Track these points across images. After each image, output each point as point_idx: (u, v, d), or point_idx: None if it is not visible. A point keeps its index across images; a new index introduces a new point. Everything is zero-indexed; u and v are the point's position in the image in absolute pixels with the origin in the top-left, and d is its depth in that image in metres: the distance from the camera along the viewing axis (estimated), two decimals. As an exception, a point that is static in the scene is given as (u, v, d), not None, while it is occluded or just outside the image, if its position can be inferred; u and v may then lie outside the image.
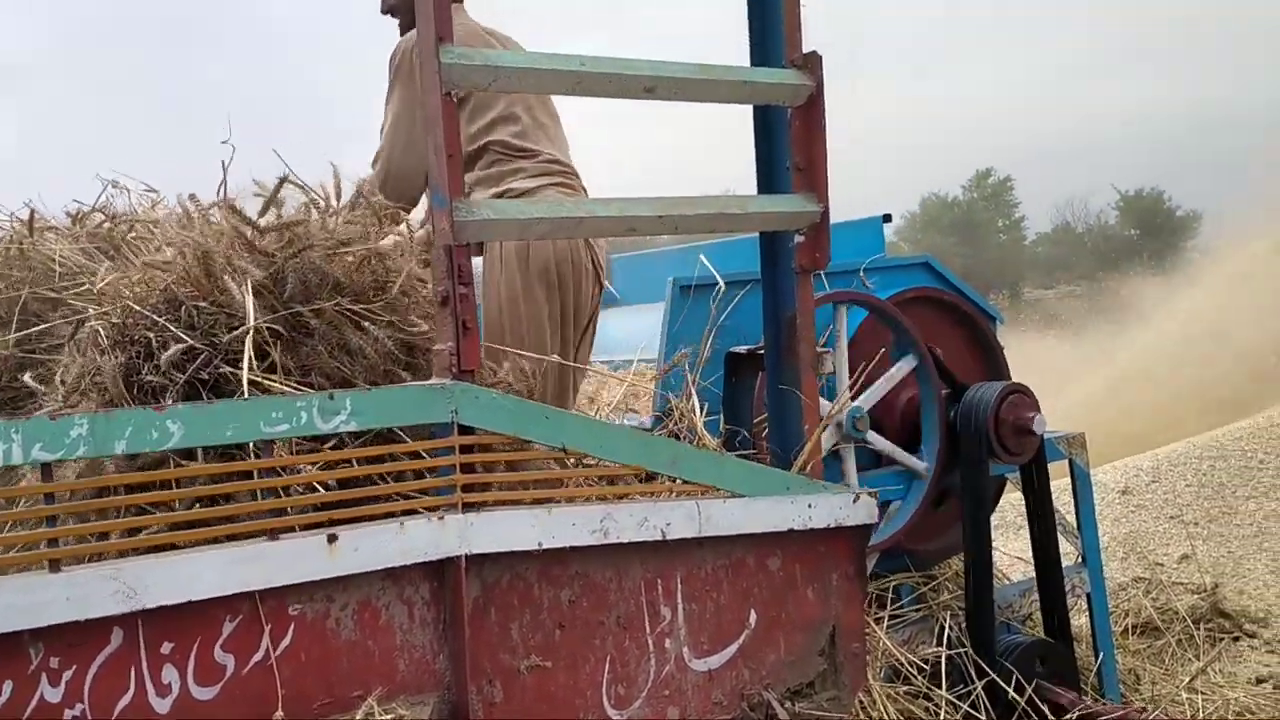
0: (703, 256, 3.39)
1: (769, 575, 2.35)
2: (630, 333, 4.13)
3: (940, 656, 3.19)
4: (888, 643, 3.07)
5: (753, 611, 2.33)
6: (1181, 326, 12.78)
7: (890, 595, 3.47)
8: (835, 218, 2.60)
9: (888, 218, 3.95)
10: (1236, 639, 5.34)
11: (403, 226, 2.41)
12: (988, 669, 3.32)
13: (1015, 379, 3.74)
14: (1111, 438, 8.11)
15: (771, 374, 2.50)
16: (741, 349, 2.94)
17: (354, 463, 1.92)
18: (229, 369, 1.96)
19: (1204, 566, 5.49)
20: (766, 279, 2.50)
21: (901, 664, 3.06)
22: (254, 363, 1.93)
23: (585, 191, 3.19)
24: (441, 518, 1.92)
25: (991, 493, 3.91)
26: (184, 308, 2.05)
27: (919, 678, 3.07)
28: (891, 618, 3.43)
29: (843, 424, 3.30)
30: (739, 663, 2.31)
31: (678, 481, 2.24)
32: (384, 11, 3.41)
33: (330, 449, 1.94)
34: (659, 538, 2.16)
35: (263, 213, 2.16)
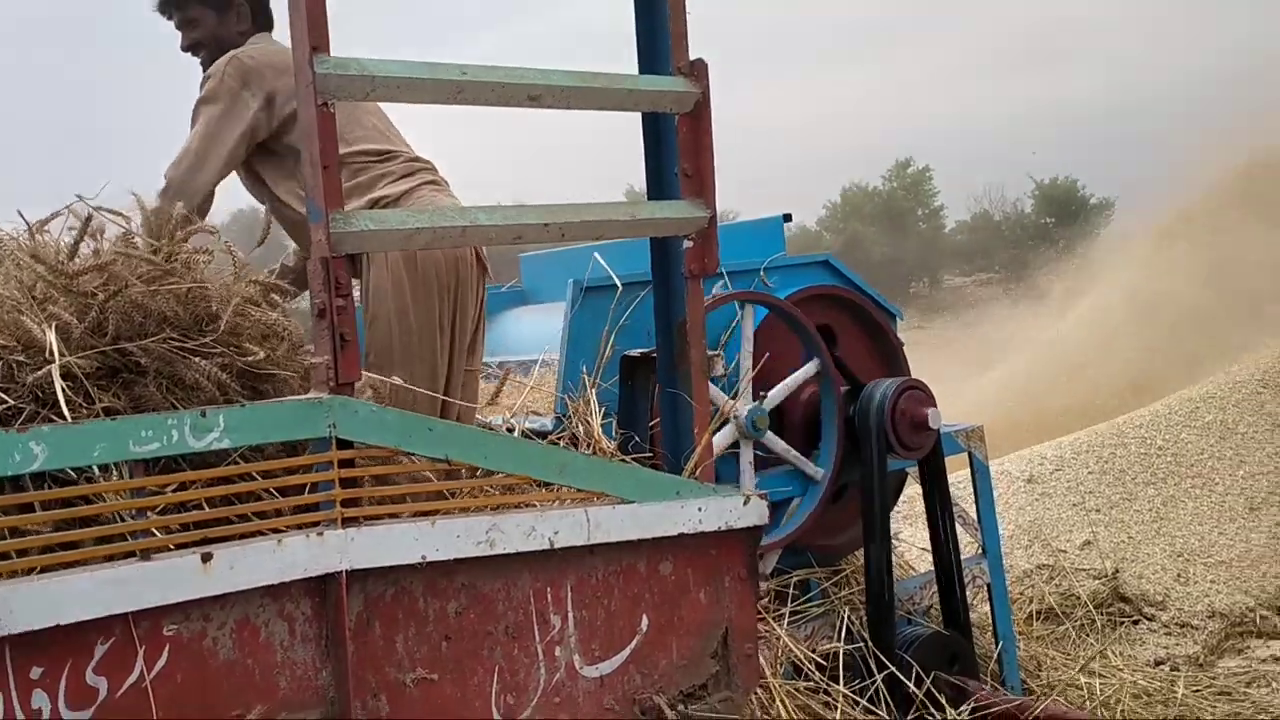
0: (597, 255, 3.40)
1: (661, 580, 2.37)
2: (538, 332, 4.12)
3: (839, 651, 3.24)
4: (787, 639, 3.12)
5: (645, 617, 2.34)
6: (1090, 313, 13.08)
7: (793, 591, 3.51)
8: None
9: (788, 217, 3.99)
10: (1136, 622, 5.50)
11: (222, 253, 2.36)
12: (887, 662, 3.38)
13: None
14: (1018, 427, 8.28)
15: (663, 378, 2.51)
16: (636, 352, 2.95)
17: (232, 480, 1.90)
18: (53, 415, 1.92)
19: (1105, 552, 5.63)
20: (658, 284, 2.51)
21: (800, 660, 3.10)
22: (81, 404, 1.89)
23: (446, 184, 3.19)
24: (321, 534, 1.90)
25: (890, 488, 3.98)
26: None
27: (817, 674, 3.11)
28: (794, 614, 3.47)
29: (742, 425, 3.33)
30: (631, 668, 2.32)
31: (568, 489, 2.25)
32: (185, 49, 3.34)
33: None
34: (547, 546, 2.16)
35: (72, 253, 2.12)
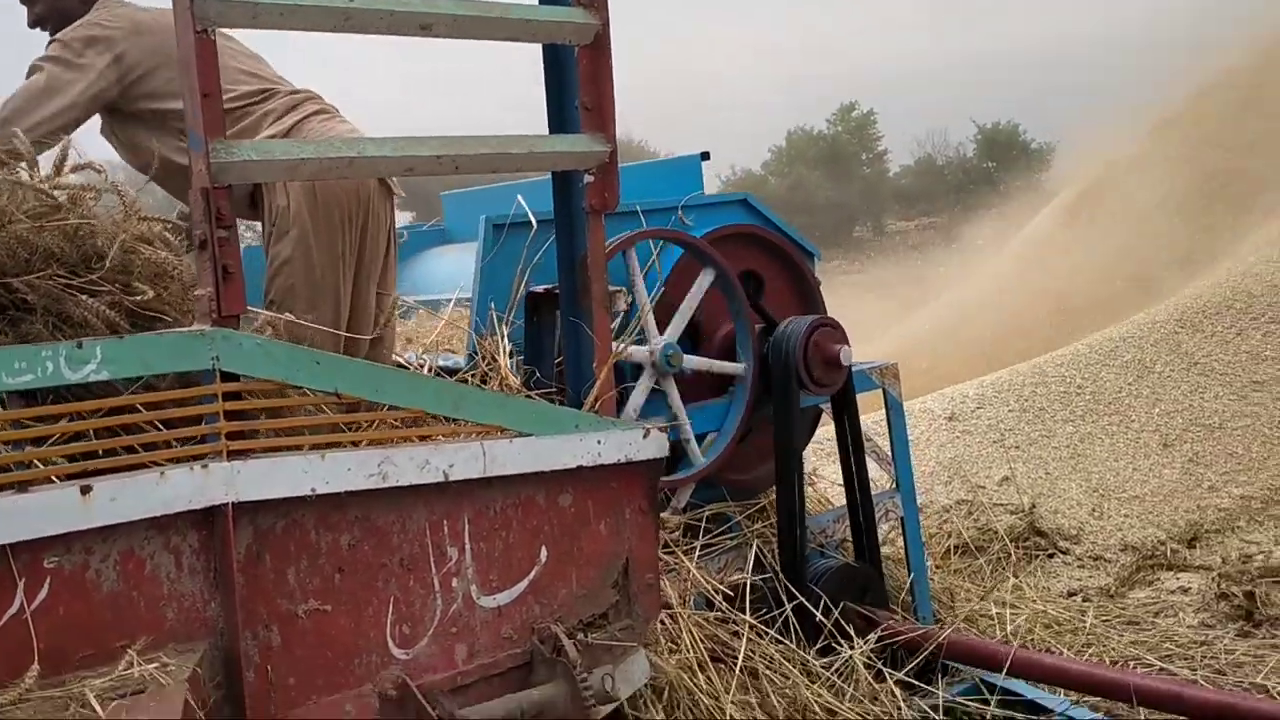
0: (520, 198, 3.38)
1: (560, 512, 2.39)
2: (458, 271, 4.10)
3: (747, 582, 3.29)
4: (695, 571, 3.16)
5: (544, 548, 2.37)
6: (1022, 254, 13.25)
7: (705, 525, 3.55)
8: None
9: (705, 155, 3.99)
10: (1051, 556, 5.64)
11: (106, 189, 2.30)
12: (796, 593, 3.45)
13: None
14: (946, 363, 8.41)
15: (565, 313, 2.51)
16: (540, 288, 2.95)
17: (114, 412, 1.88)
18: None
19: (1023, 488, 5.76)
20: (559, 219, 2.51)
21: (708, 592, 3.15)
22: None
23: (336, 111, 3.14)
24: (205, 466, 1.89)
25: (809, 423, 4.03)
26: None
27: (724, 605, 3.17)
28: (706, 547, 3.52)
29: (657, 362, 3.35)
30: (529, 598, 2.35)
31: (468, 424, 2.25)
32: (32, 25, 3.26)
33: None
34: (442, 479, 2.17)
35: None
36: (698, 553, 3.38)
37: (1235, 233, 9.81)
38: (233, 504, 1.92)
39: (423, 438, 2.19)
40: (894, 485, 4.16)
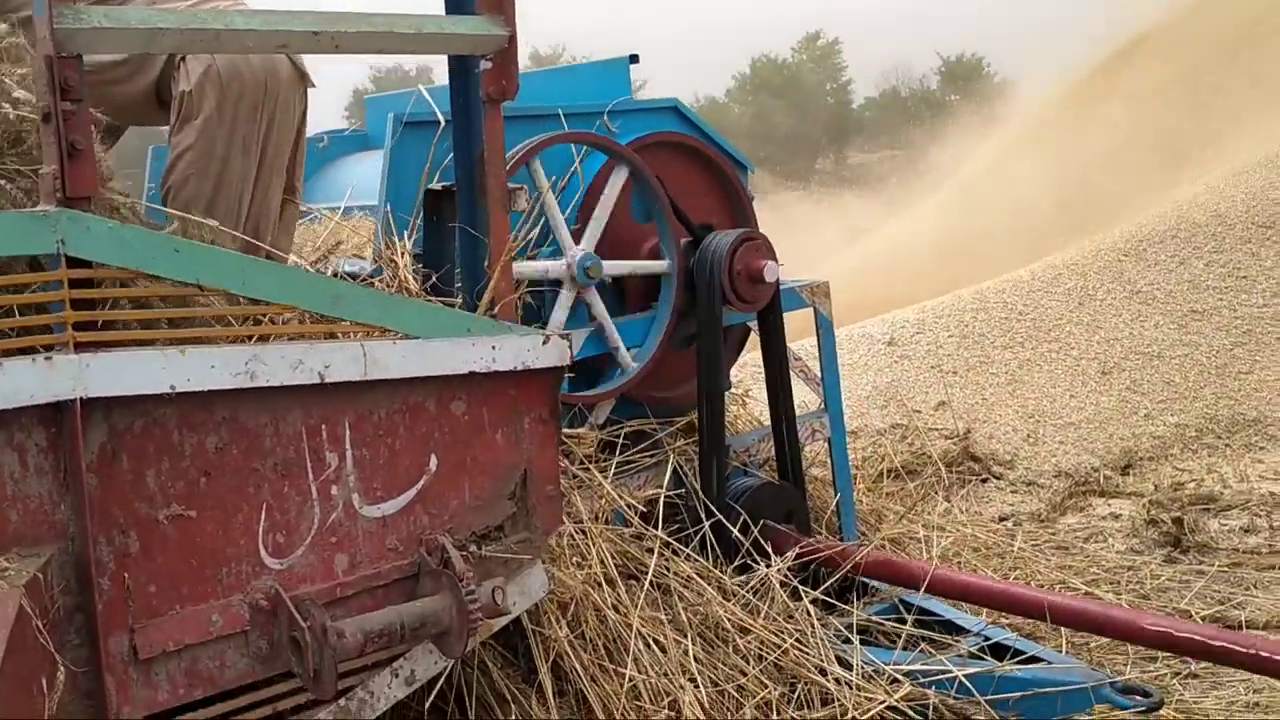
0: (422, 89, 3.22)
1: (452, 419, 2.28)
2: (375, 176, 3.93)
3: (661, 498, 3.21)
4: (606, 486, 3.07)
5: (434, 456, 2.26)
6: (973, 184, 13.17)
7: (623, 441, 3.46)
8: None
9: (634, 58, 3.83)
10: (984, 481, 5.63)
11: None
12: (715, 510, 3.37)
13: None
14: (888, 289, 8.34)
15: (462, 212, 2.38)
16: (439, 185, 2.81)
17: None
18: None
19: (959, 413, 5.72)
20: (456, 111, 2.37)
21: (621, 507, 3.07)
22: None
23: None
24: (49, 359, 1.76)
25: (736, 340, 3.94)
26: None
27: (637, 520, 3.08)
28: (626, 464, 3.43)
29: (575, 275, 3.23)
30: (417, 508, 2.24)
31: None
32: None
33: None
34: (317, 381, 2.04)
35: None
36: (613, 469, 3.29)
37: (1191, 165, 9.77)
38: (81, 400, 1.79)
39: (297, 336, 2.07)
40: (822, 406, 4.08)
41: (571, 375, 3.34)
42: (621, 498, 3.08)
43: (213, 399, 1.96)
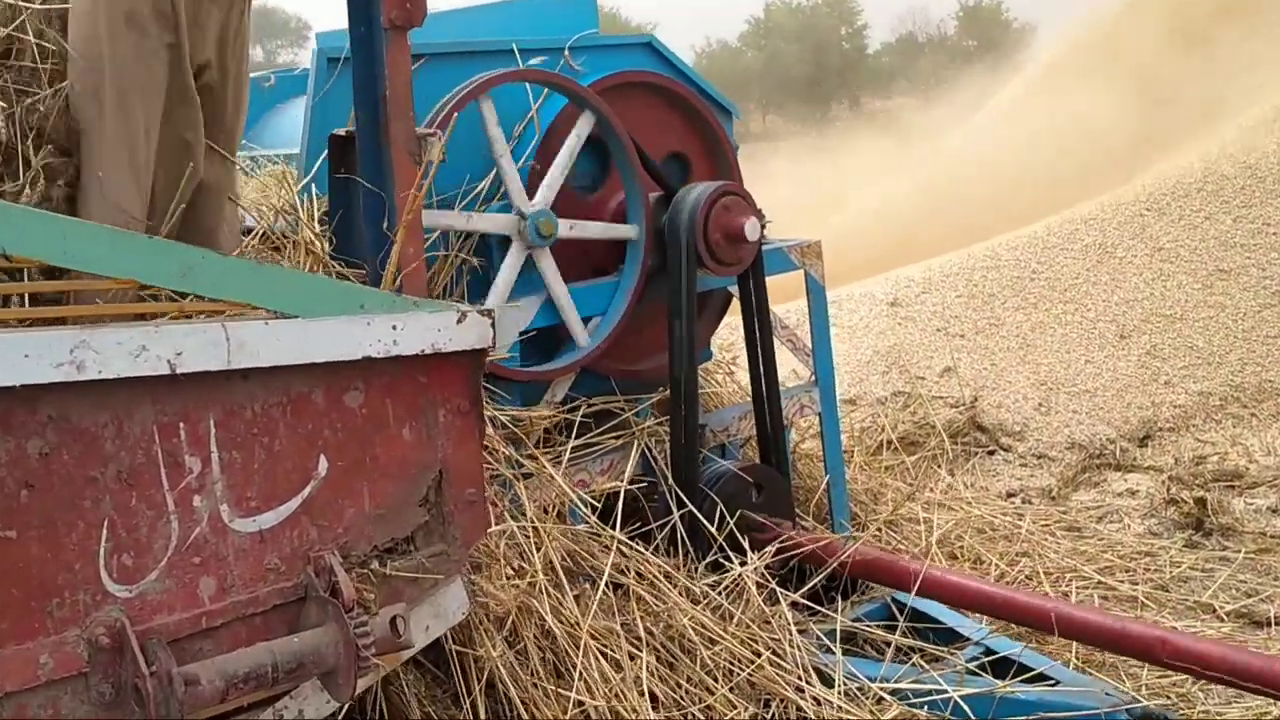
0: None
1: (346, 414, 1.90)
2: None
3: (622, 490, 2.85)
4: (556, 476, 2.70)
5: (323, 458, 1.89)
6: (987, 132, 12.65)
7: (582, 420, 3.08)
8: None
9: (600, -14, 3.41)
10: (991, 453, 5.25)
11: None
12: (686, 500, 3.01)
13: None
14: (890, 244, 7.91)
15: (364, 163, 2.00)
16: (343, 130, 2.40)
17: None
18: None
19: (965, 380, 5.33)
20: (355, 41, 1.97)
21: (572, 498, 2.70)
22: None
23: None
24: None
25: (708, 308, 3.55)
26: None
27: (591, 516, 2.72)
28: (587, 447, 3.07)
29: (524, 232, 2.85)
30: (303, 520, 1.88)
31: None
32: None
33: None
34: (166, 371, 1.67)
35: None
36: (569, 453, 2.92)
37: (1206, 112, 9.26)
38: None
39: (143, 316, 1.69)
40: (812, 378, 3.70)
41: (525, 342, 2.97)
42: (573, 490, 2.70)
43: (35, 395, 1.59)
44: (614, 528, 2.79)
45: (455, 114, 2.70)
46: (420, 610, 2.01)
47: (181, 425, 1.74)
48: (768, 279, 3.56)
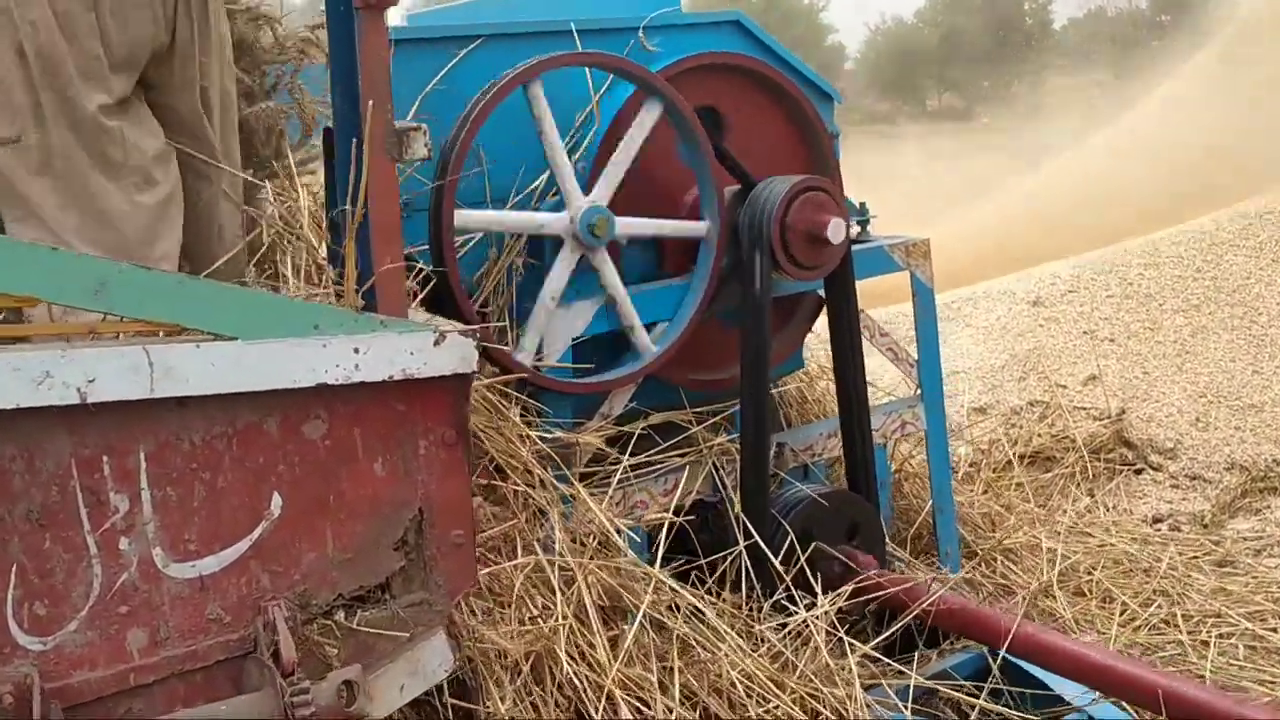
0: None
1: (305, 446, 1.68)
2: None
3: (668, 522, 2.57)
4: (594, 506, 2.44)
5: (276, 495, 1.67)
6: (1165, 116, 11.74)
7: (643, 432, 2.80)
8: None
9: (685, -41, 3.11)
10: (1139, 472, 4.75)
11: None
12: (753, 530, 2.71)
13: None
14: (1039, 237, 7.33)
15: (342, 160, 1.76)
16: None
17: None
18: None
19: (1112, 389, 4.83)
20: (334, 21, 1.74)
21: (608, 528, 2.44)
22: None
23: None
24: None
25: (798, 312, 3.22)
26: None
27: (625, 546, 2.45)
28: (647, 465, 2.80)
29: (578, 233, 2.59)
30: (252, 565, 1.67)
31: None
32: None
33: None
34: (75, 400, 1.47)
35: None
36: (619, 474, 2.65)
37: None
38: None
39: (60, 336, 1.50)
40: (917, 393, 3.34)
41: (585, 349, 2.73)
42: (613, 519, 2.44)
43: (-80, 426, 1.42)
44: (663, 558, 2.52)
45: (494, 105, 2.47)
46: (394, 668, 1.78)
47: (105, 459, 1.55)
48: (870, 280, 3.23)
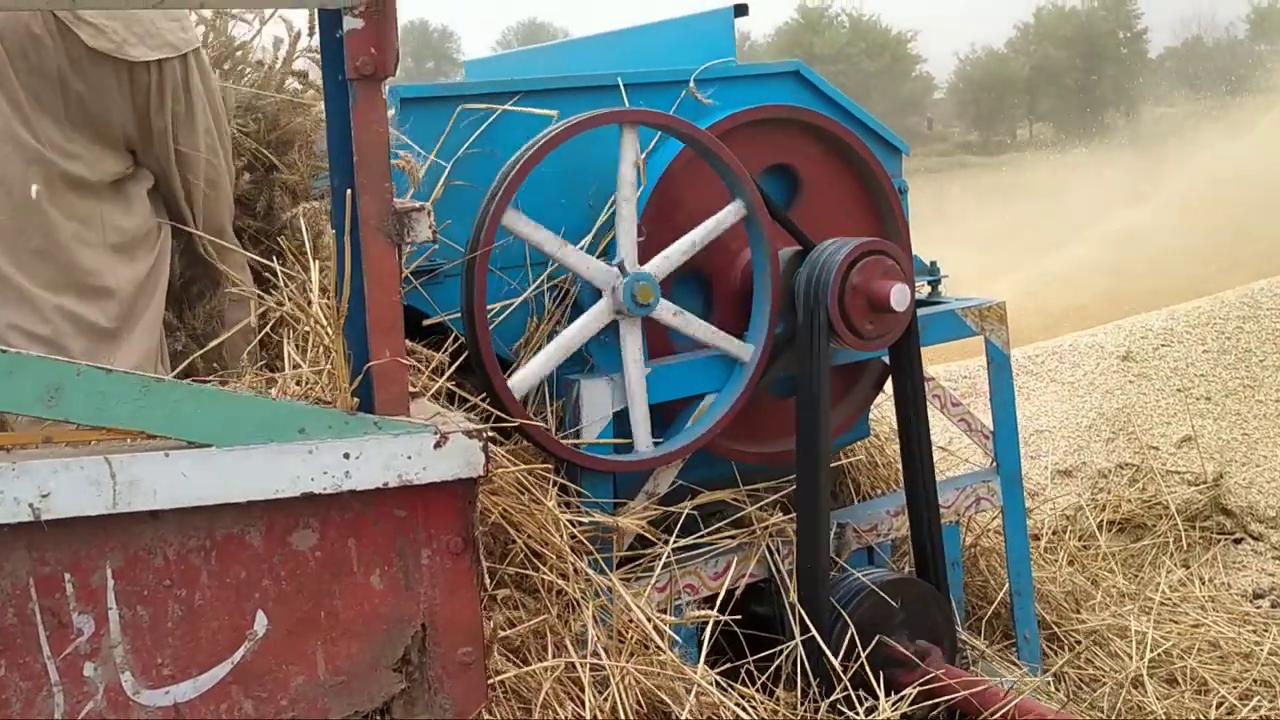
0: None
1: (293, 558, 1.53)
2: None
3: (710, 621, 2.37)
4: (630, 601, 2.26)
5: (261, 613, 1.52)
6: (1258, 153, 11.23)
7: (690, 513, 2.61)
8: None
9: (741, 9, 2.94)
10: (1238, 541, 4.42)
11: None
12: (810, 623, 2.51)
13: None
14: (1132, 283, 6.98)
15: (340, 238, 1.62)
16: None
17: None
18: None
19: (1209, 452, 4.52)
20: (329, 90, 1.60)
21: (647, 628, 2.25)
22: None
23: None
24: None
25: (862, 380, 3.01)
26: None
27: (664, 645, 2.25)
28: (694, 547, 2.61)
29: (618, 291, 2.42)
30: (233, 692, 1.52)
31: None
32: None
33: None
34: (28, 518, 1.34)
35: None
36: (664, 558, 2.47)
37: None
38: None
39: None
40: (993, 465, 3.10)
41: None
42: (651, 615, 2.25)
43: None
44: (708, 656, 2.33)
45: (529, 169, 2.31)
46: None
47: (67, 576, 1.41)
48: (940, 345, 3.02)
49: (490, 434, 1.63)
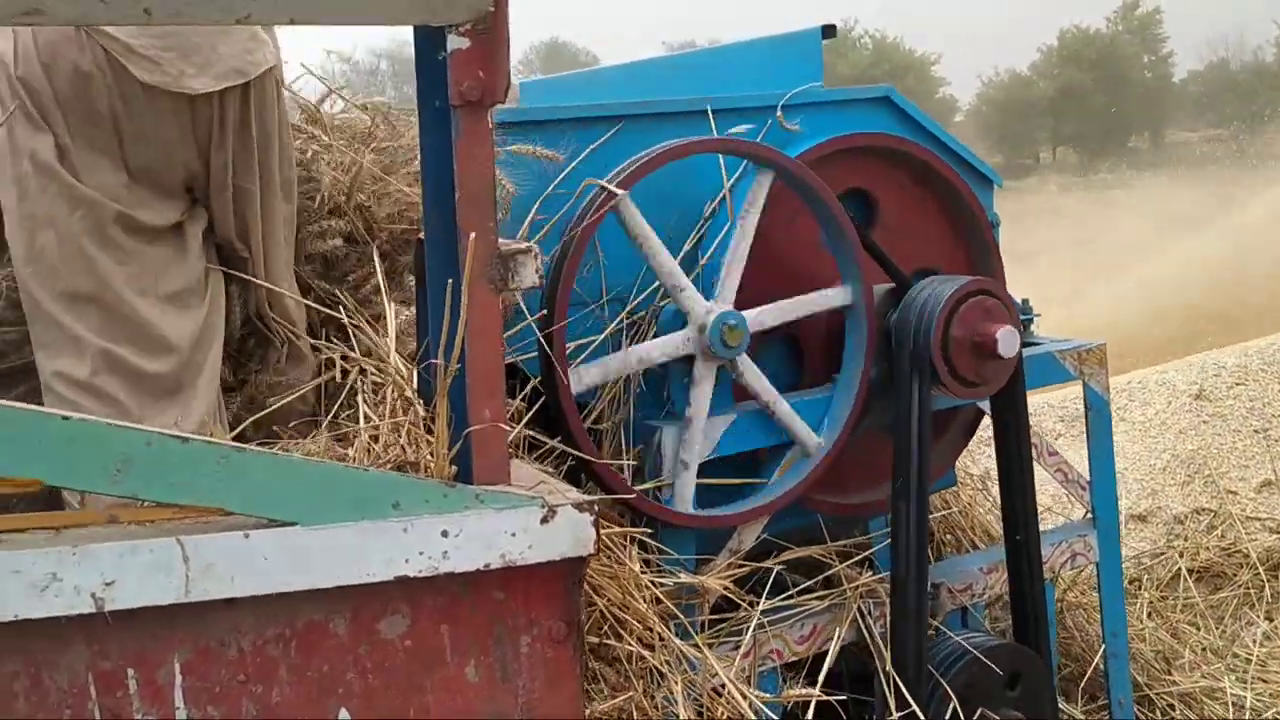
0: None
1: (381, 648, 1.35)
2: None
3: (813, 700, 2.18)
4: (730, 682, 2.07)
5: (344, 711, 1.34)
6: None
7: (778, 572, 2.43)
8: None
9: (829, 31, 2.76)
10: (1325, 592, 4.20)
11: None
12: (906, 692, 2.31)
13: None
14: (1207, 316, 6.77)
15: (433, 286, 1.44)
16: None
17: None
18: None
19: (1291, 497, 4.31)
20: (423, 119, 1.43)
21: (740, 704, 2.06)
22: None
23: None
24: None
25: (952, 427, 2.82)
26: None
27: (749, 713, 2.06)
28: (782, 609, 2.42)
29: (708, 343, 2.24)
30: (311, 798, 1.33)
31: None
32: None
33: None
34: (89, 609, 1.16)
35: None
36: (753, 623, 2.28)
37: None
38: None
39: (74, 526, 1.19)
40: (1089, 517, 2.90)
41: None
42: (740, 687, 2.06)
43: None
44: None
45: (604, 211, 2.14)
46: None
47: (130, 672, 1.23)
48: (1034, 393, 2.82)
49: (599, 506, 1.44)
